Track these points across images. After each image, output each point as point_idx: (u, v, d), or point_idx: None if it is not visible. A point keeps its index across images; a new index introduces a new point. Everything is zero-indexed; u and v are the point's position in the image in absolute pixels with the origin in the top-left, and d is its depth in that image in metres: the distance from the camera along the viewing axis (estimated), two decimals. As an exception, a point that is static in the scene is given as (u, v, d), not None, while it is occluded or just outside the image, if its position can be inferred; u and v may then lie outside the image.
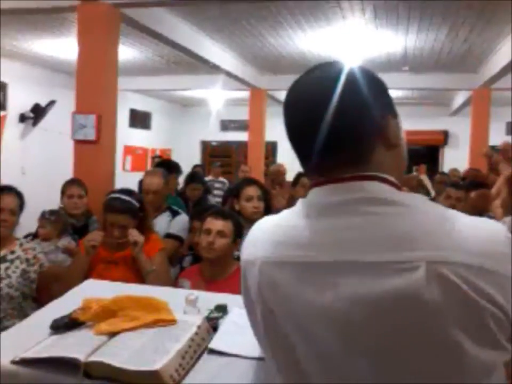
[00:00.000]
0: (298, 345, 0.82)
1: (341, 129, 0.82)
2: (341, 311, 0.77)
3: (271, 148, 12.34)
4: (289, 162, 8.31)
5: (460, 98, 10.16)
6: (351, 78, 0.84)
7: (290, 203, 4.00)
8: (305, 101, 0.85)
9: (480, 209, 3.79)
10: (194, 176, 5.27)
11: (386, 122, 0.85)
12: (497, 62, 6.97)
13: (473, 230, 0.78)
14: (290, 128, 0.89)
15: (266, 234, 0.89)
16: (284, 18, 5.79)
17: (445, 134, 12.14)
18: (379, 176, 0.82)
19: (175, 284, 2.60)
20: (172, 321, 1.40)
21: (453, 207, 3.29)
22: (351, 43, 6.60)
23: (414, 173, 6.43)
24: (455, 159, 10.73)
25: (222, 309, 1.59)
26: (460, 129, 11.14)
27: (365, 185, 0.82)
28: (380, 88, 0.88)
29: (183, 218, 3.45)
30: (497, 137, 10.44)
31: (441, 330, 0.73)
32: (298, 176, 4.29)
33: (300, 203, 0.89)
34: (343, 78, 0.83)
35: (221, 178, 7.89)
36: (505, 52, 6.55)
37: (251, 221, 2.86)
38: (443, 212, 0.81)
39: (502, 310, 0.74)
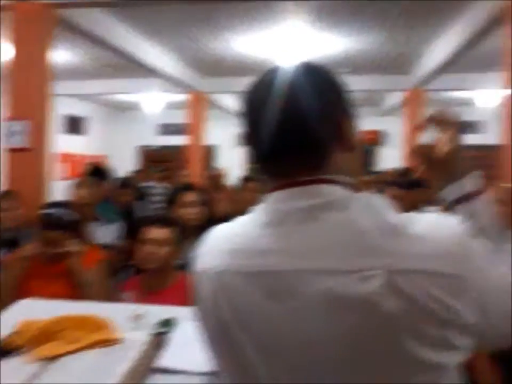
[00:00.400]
0: (256, 358, 0.79)
1: (300, 132, 0.80)
2: (302, 321, 0.75)
3: (211, 152, 12.28)
4: (229, 166, 8.36)
5: (392, 99, 10.48)
6: (310, 80, 0.82)
7: (236, 208, 3.97)
8: (262, 104, 0.83)
9: (417, 206, 3.92)
10: (124, 182, 5.14)
11: (344, 124, 0.84)
12: (429, 64, 7.24)
13: (429, 233, 0.77)
14: (249, 132, 0.86)
15: (223, 243, 0.86)
16: (224, 21, 5.76)
17: (380, 134, 12.49)
18: (338, 180, 0.81)
19: (116, 297, 2.50)
20: (117, 341, 1.32)
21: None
22: (292, 45, 6.64)
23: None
24: (389, 158, 11.07)
25: (169, 323, 1.53)
26: (393, 129, 11.49)
27: (325, 189, 0.80)
28: (338, 91, 0.87)
29: (116, 226, 3.33)
30: (426, 135, 10.85)
31: (397, 340, 0.73)
32: (244, 180, 4.24)
33: (258, 209, 0.86)
34: (302, 80, 0.82)
35: (163, 184, 7.76)
36: (436, 54, 6.81)
37: (189, 227, 2.81)
38: (400, 215, 0.80)
39: (458, 314, 0.74)
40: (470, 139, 11.67)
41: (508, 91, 4.23)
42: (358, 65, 7.91)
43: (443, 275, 0.74)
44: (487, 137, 10.71)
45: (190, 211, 2.88)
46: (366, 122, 12.18)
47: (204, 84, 9.11)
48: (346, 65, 7.81)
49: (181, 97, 9.74)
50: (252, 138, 0.86)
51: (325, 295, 0.74)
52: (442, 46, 6.45)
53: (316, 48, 6.87)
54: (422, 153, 0.99)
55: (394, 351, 0.73)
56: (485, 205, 0.92)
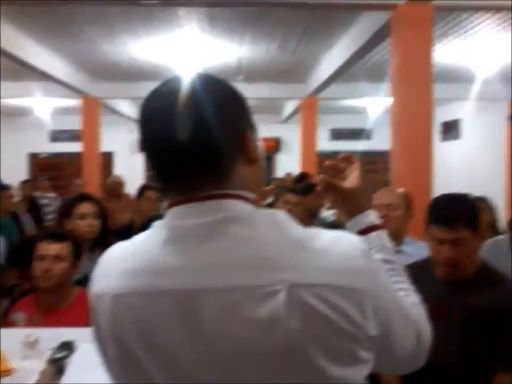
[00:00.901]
0: (163, 379, 0.76)
1: (199, 146, 0.78)
2: (204, 342, 0.73)
3: (108, 159, 11.87)
4: (127, 173, 8.12)
5: (290, 107, 10.80)
6: (208, 91, 0.80)
7: (136, 218, 3.84)
8: (160, 116, 0.79)
9: (313, 211, 4.05)
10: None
11: (245, 136, 0.82)
12: (322, 73, 7.55)
13: (331, 248, 0.78)
14: (146, 145, 0.82)
15: (120, 263, 0.81)
16: (118, 24, 5.59)
17: (278, 141, 12.81)
18: (239, 194, 0.80)
19: (5, 319, 2.30)
20: (9, 371, 1.20)
21: (290, 211, 3.41)
22: (187, 51, 6.61)
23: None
24: (288, 164, 11.37)
25: (68, 347, 1.43)
26: (291, 136, 11.84)
27: (224, 204, 0.78)
28: (238, 102, 0.85)
29: (2, 242, 3.08)
30: (323, 142, 11.38)
31: (303, 356, 0.72)
32: (143, 189, 4.11)
33: (155, 226, 0.83)
34: (200, 92, 0.79)
35: (50, 194, 7.38)
36: (328, 64, 7.11)
37: (86, 241, 2.68)
38: (303, 230, 0.80)
39: (358, 328, 0.75)
40: (364, 145, 12.50)
41: (392, 99, 4.51)
42: (254, 73, 8.05)
43: (346, 289, 0.75)
44: (380, 143, 11.36)
45: (87, 222, 2.73)
46: (266, 130, 12.47)
47: (98, 88, 8.78)
48: (241, 73, 7.91)
49: (73, 102, 9.32)
50: (149, 150, 0.82)
51: (228, 312, 0.73)
52: (334, 56, 6.75)
53: (211, 55, 6.90)
54: (331, 185, 1.04)
55: (302, 368, 0.73)
56: (385, 237, 1.02)
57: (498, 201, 8.58)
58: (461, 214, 1.79)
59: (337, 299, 0.73)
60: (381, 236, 1.01)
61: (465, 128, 10.90)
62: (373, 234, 1.00)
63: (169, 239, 0.78)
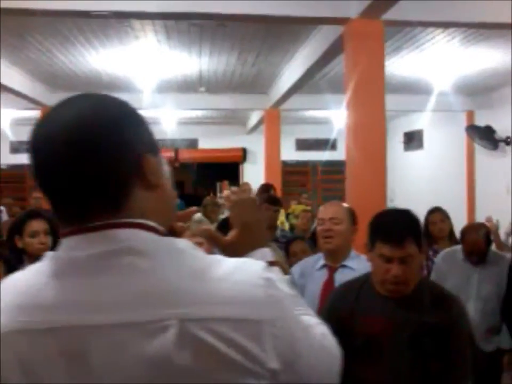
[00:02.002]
0: None
1: (86, 173, 0.73)
2: (95, 380, 0.70)
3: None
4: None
5: (254, 118, 10.83)
6: (103, 114, 0.77)
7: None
8: (46, 145, 0.75)
9: (270, 226, 4.04)
10: None
11: (144, 161, 0.77)
12: (283, 84, 7.59)
13: (230, 277, 0.74)
14: (37, 171, 0.77)
15: (7, 297, 0.76)
16: (74, 35, 5.51)
17: (244, 151, 12.81)
18: (139, 223, 0.75)
19: None
20: None
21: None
22: (145, 63, 6.56)
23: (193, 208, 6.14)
24: (254, 174, 11.37)
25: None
26: (257, 146, 11.86)
27: (119, 234, 0.73)
28: (136, 125, 0.80)
29: None
30: (288, 152, 11.43)
31: None
32: None
33: (46, 257, 0.78)
34: (89, 116, 0.75)
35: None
36: (288, 76, 7.16)
37: (38, 258, 2.55)
38: (205, 258, 0.76)
39: (256, 361, 0.71)
40: (329, 155, 12.60)
41: (348, 111, 4.56)
42: (216, 84, 8.04)
43: (242, 321, 0.71)
44: (343, 153, 11.44)
45: (37, 241, 2.61)
46: (233, 141, 12.49)
47: (57, 99, 8.54)
48: (202, 84, 7.90)
49: (33, 113, 9.14)
50: (39, 179, 0.77)
51: (116, 351, 0.69)
52: (293, 68, 6.80)
53: (170, 66, 6.86)
54: (238, 218, 1.01)
55: None
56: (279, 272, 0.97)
57: (460, 209, 8.80)
58: (409, 231, 1.76)
59: (232, 333, 0.70)
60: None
61: (427, 139, 11.09)
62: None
63: (57, 272, 0.74)
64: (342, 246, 2.43)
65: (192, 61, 6.65)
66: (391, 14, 4.13)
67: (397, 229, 1.76)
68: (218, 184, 12.53)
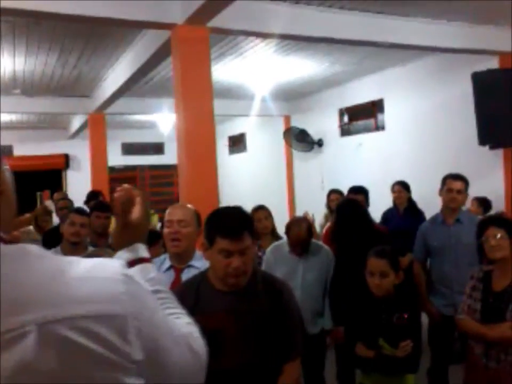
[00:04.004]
0: None
1: None
2: None
3: None
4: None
5: (77, 122, 10.32)
6: None
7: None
8: None
9: (102, 233, 3.94)
10: None
11: None
12: (108, 88, 7.37)
13: (89, 275, 0.75)
14: None
15: None
16: None
17: (66, 157, 12.14)
18: None
19: None
20: None
21: (77, 233, 3.27)
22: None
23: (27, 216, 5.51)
24: (79, 181, 10.83)
25: None
26: (80, 152, 11.32)
27: None
28: None
29: None
30: (115, 157, 11.11)
31: None
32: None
33: None
34: None
35: None
36: (113, 79, 6.98)
37: None
38: (55, 263, 0.76)
39: (121, 354, 0.73)
40: (157, 159, 12.53)
41: (177, 115, 4.62)
42: (33, 86, 7.49)
43: (105, 316, 0.73)
44: (173, 157, 11.51)
45: None
46: (53, 146, 11.70)
47: None
48: (17, 86, 7.31)
49: None
50: None
51: None
52: (118, 71, 6.65)
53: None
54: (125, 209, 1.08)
55: None
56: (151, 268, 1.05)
57: (282, 206, 9.46)
58: (245, 224, 1.89)
59: (96, 328, 0.71)
60: (147, 268, 1.03)
61: (250, 142, 11.70)
62: (139, 266, 1.03)
63: None
64: (189, 248, 2.50)
65: (4, 60, 6.11)
66: (216, 22, 4.29)
67: (235, 224, 1.87)
68: (39, 194, 11.69)
